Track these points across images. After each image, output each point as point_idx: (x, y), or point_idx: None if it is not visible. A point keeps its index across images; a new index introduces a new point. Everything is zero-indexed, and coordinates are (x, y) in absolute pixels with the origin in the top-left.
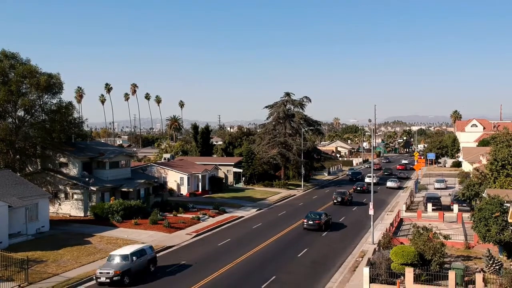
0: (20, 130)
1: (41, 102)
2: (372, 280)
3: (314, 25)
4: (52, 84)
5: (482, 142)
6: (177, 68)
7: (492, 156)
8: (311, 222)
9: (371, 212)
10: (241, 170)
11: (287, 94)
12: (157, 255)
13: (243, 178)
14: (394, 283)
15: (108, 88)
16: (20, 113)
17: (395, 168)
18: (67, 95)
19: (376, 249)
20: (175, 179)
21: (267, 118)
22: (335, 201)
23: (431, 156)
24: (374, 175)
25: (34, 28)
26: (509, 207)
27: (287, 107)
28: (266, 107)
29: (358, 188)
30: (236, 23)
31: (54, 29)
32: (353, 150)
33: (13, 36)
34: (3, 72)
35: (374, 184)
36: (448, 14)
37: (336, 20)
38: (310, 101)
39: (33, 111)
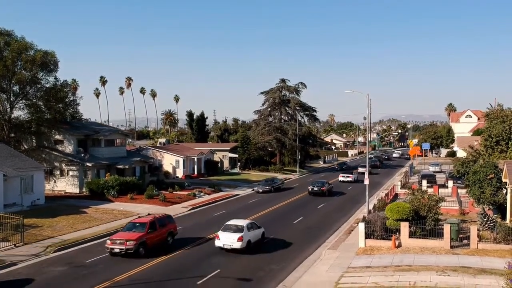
0: (15, 106)
1: (37, 79)
2: (368, 236)
3: (311, 25)
4: (48, 61)
5: (477, 132)
6: (173, 66)
7: (487, 132)
8: (316, 189)
9: (366, 182)
10: (236, 156)
11: (283, 80)
12: None
13: (239, 163)
14: (389, 239)
15: (103, 81)
16: (15, 88)
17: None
18: None
19: (372, 211)
20: (170, 162)
21: (263, 104)
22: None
23: (426, 146)
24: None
25: (30, 25)
26: (503, 169)
27: (282, 93)
28: (262, 93)
29: (315, 189)
30: (235, 22)
31: (51, 26)
32: (348, 143)
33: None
34: None
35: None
36: (446, 14)
37: (332, 19)
38: (306, 87)
39: (28, 87)
